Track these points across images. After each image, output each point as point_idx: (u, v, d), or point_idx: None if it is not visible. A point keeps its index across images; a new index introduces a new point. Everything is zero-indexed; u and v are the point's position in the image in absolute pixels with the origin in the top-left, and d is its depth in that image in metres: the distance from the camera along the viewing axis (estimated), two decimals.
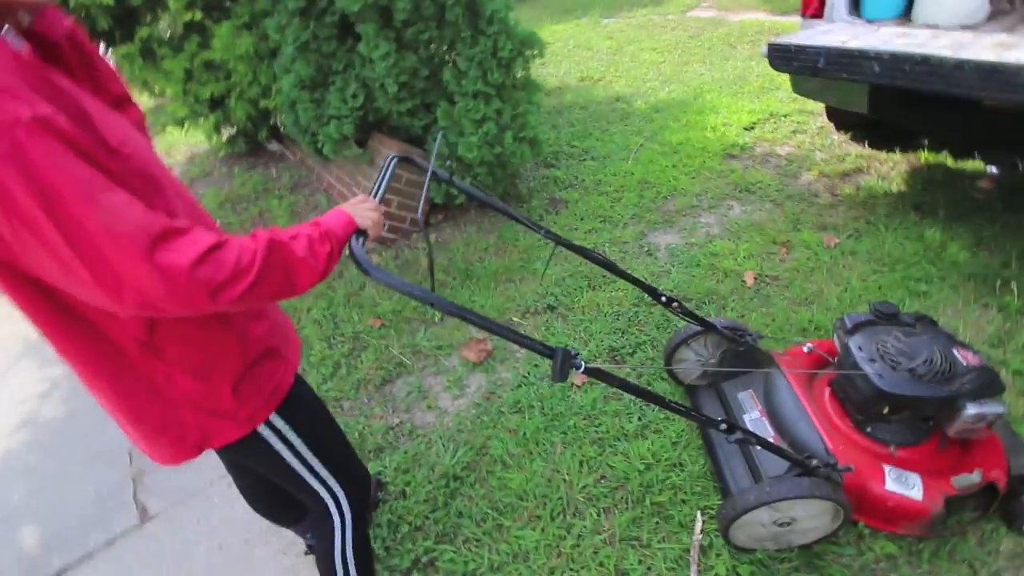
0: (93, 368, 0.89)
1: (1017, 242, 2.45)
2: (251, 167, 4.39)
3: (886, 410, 1.45)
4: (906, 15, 2.51)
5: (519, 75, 2.90)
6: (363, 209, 1.01)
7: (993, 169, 2.17)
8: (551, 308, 2.51)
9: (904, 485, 1.42)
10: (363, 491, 1.30)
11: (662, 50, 5.79)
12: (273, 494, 1.44)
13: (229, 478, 2.00)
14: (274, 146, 4.56)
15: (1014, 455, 1.51)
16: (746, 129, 3.82)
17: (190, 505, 1.96)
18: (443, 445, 1.95)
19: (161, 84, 3.81)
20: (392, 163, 1.23)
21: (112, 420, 1.00)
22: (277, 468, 1.11)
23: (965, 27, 2.28)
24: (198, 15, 3.43)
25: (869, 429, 1.52)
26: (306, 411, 1.14)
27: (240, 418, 0.99)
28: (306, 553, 1.72)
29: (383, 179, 1.17)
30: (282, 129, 4.23)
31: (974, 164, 3.02)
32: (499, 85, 2.77)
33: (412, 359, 2.36)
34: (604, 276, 2.61)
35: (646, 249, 2.81)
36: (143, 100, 5.11)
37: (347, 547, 1.27)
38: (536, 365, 2.22)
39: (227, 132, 4.31)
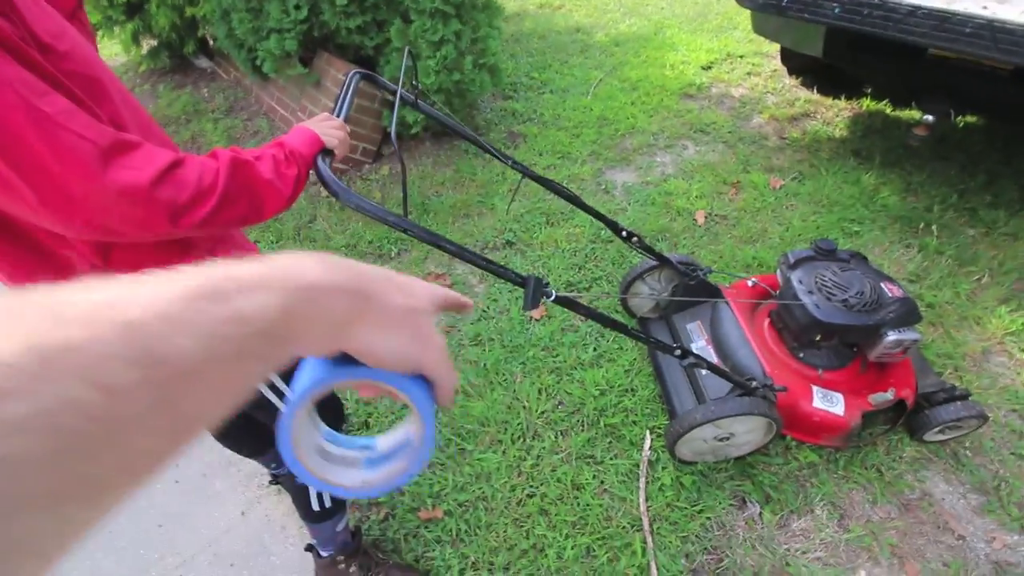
0: None
1: (940, 189, 2.65)
2: (179, 85, 3.98)
3: (819, 337, 1.59)
4: None
5: None
6: (328, 127, 0.96)
7: (929, 117, 2.30)
8: (510, 244, 2.52)
9: (829, 403, 1.58)
10: (332, 416, 1.31)
11: None
12: (238, 422, 1.42)
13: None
14: (203, 62, 4.14)
15: (922, 376, 1.71)
16: (703, 68, 3.82)
17: None
18: None
19: None
20: (355, 80, 1.16)
21: None
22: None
23: None
24: None
25: (801, 355, 1.67)
26: None
27: None
28: (271, 483, 1.74)
29: (345, 96, 1.10)
30: (213, 43, 3.84)
31: (910, 113, 3.18)
32: (459, 4, 2.61)
33: None
34: (562, 212, 2.63)
35: (603, 186, 2.83)
36: None
37: None
38: (495, 300, 2.25)
39: (148, 44, 3.85)
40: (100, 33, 3.61)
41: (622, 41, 4.25)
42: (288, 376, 1.09)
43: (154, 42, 3.84)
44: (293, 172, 0.86)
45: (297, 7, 2.63)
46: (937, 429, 1.65)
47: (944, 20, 1.82)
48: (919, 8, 1.86)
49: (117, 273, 0.85)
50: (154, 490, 1.78)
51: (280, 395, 1.11)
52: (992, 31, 1.76)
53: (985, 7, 1.83)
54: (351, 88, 1.14)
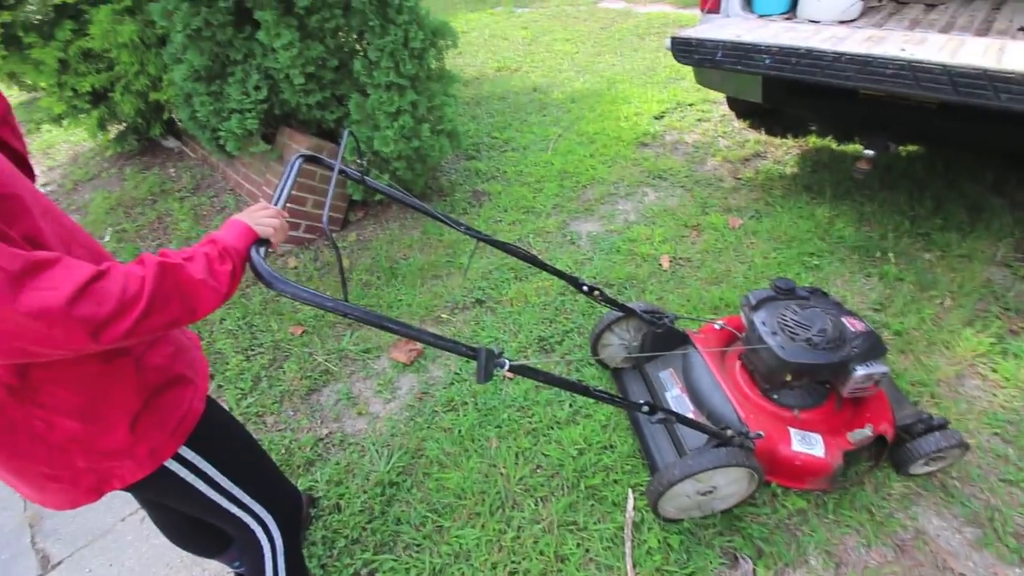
0: None
1: (892, 216, 2.74)
2: (146, 167, 4.01)
3: (789, 378, 1.58)
4: (792, 11, 2.70)
5: (433, 66, 2.84)
6: (261, 216, 0.95)
7: (869, 152, 2.40)
8: (480, 302, 2.50)
9: (808, 445, 1.55)
10: (292, 511, 1.24)
11: (576, 40, 5.90)
12: (194, 525, 1.33)
13: (141, 512, 1.85)
14: (171, 143, 4.19)
15: (898, 408, 1.70)
16: (656, 118, 3.98)
17: (98, 547, 1.78)
18: (377, 452, 1.90)
19: (32, 76, 3.37)
20: (297, 163, 1.16)
21: None
22: (193, 501, 1.03)
23: (842, 22, 2.49)
24: None
25: (776, 396, 1.65)
26: (219, 436, 1.06)
27: (140, 456, 0.90)
28: None
29: (286, 181, 1.10)
30: (179, 124, 3.90)
31: (854, 147, 3.33)
32: (413, 76, 2.70)
33: (339, 365, 2.27)
34: (530, 268, 2.64)
35: (569, 238, 2.87)
36: (11, 94, 4.52)
37: (279, 572, 1.20)
38: (467, 361, 2.21)
39: (115, 129, 3.90)
40: (66, 121, 3.65)
41: (578, 98, 4.43)
42: (228, 469, 1.04)
43: (121, 127, 3.89)
44: (227, 267, 0.84)
45: (257, 87, 2.69)
46: (921, 462, 1.62)
47: (867, 64, 1.94)
48: (843, 54, 1.98)
49: (36, 391, 0.80)
50: None
51: (225, 494, 1.05)
52: (912, 71, 1.87)
53: (903, 49, 1.95)
54: (293, 171, 1.14)
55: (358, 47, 2.75)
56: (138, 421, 0.88)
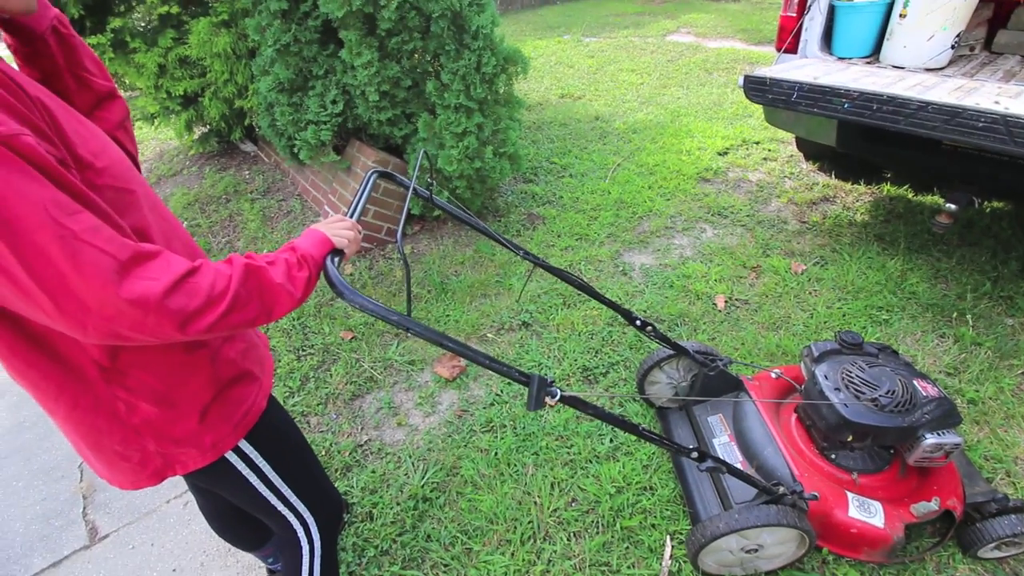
0: (50, 392, 0.83)
1: (972, 275, 2.57)
2: (223, 168, 4.28)
3: (850, 438, 1.49)
4: (875, 55, 2.62)
5: (501, 91, 2.91)
6: (339, 228, 0.99)
7: (951, 206, 2.27)
8: (526, 325, 2.50)
9: (866, 512, 1.45)
10: (334, 516, 1.26)
11: (641, 72, 5.91)
12: (237, 517, 1.38)
13: (186, 497, 1.92)
14: (248, 147, 4.46)
15: (969, 483, 1.57)
16: (720, 154, 3.92)
17: (143, 525, 1.86)
18: (412, 464, 1.91)
19: (132, 77, 3.68)
20: (371, 178, 1.21)
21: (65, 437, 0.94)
22: (244, 494, 1.06)
23: (929, 70, 2.39)
24: (175, 8, 3.35)
25: (833, 456, 1.56)
26: (277, 435, 1.09)
27: (204, 446, 0.94)
28: None
29: (362, 195, 1.15)
30: (257, 131, 4.14)
31: (933, 199, 3.16)
32: (481, 100, 2.78)
33: (383, 374, 2.31)
34: (579, 295, 2.63)
35: (621, 269, 2.84)
36: None
37: (315, 573, 1.22)
38: (509, 383, 2.21)
39: (199, 130, 4.19)
40: (156, 121, 3.96)
41: (639, 128, 4.42)
42: (281, 469, 1.07)
43: (205, 129, 4.18)
44: (304, 274, 0.88)
45: (334, 102, 2.84)
46: (992, 545, 1.48)
47: (955, 115, 1.84)
48: (930, 103, 1.89)
49: (124, 374, 0.85)
50: None
51: (275, 491, 1.08)
52: (1007, 125, 1.76)
53: (997, 102, 1.84)
54: (368, 186, 1.19)
55: (432, 69, 2.85)
56: (208, 412, 0.92)
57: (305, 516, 1.15)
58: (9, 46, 0.87)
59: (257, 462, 1.02)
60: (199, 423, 0.91)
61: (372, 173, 1.23)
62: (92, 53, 0.96)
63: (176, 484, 1.96)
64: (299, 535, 1.16)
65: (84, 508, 1.95)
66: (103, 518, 1.91)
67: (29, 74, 0.88)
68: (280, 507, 1.10)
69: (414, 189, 1.27)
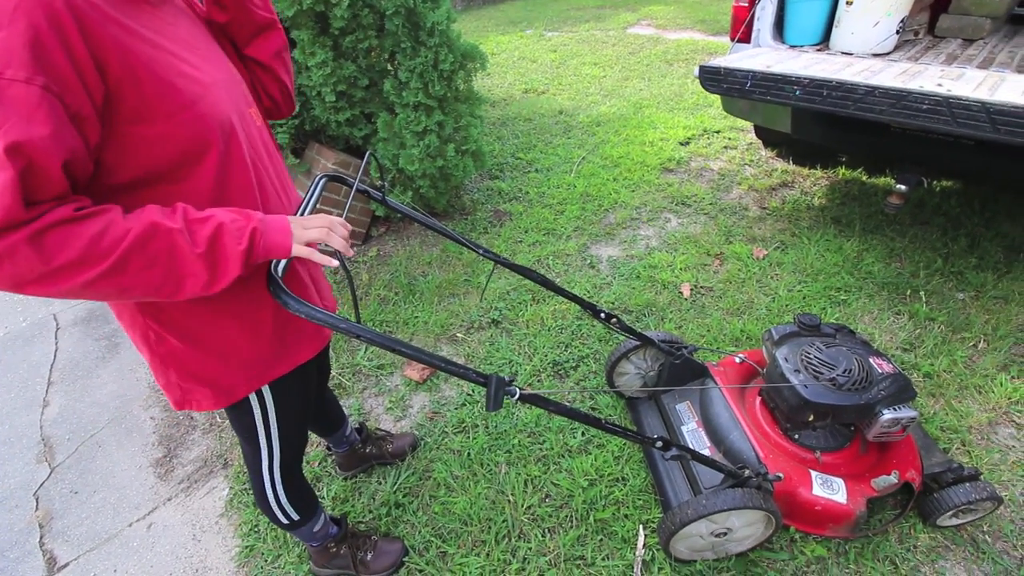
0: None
1: (924, 253, 2.66)
2: None
3: (811, 418, 1.52)
4: (825, 42, 2.68)
5: (461, 87, 2.89)
6: (313, 224, 0.90)
7: (901, 187, 2.34)
8: (495, 323, 2.49)
9: (830, 489, 1.48)
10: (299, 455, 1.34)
11: (603, 65, 5.94)
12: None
13: (148, 520, 1.86)
14: None
15: (927, 455, 1.62)
16: (682, 144, 3.96)
17: (105, 551, 1.79)
18: (384, 470, 1.88)
19: None
20: (321, 183, 1.18)
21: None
22: (241, 425, 1.14)
23: (876, 55, 2.46)
24: None
25: (797, 436, 1.59)
26: (290, 400, 1.15)
27: (220, 387, 1.00)
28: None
29: (309, 199, 1.11)
30: None
31: (886, 180, 3.26)
32: (441, 97, 2.74)
33: (352, 380, 2.27)
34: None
35: (589, 262, 2.85)
36: None
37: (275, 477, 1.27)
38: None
39: None
40: None
41: (603, 121, 4.45)
42: (282, 432, 1.14)
43: None
44: (242, 247, 0.79)
45: None
46: (950, 513, 1.54)
47: (901, 98, 1.90)
48: (876, 88, 1.94)
49: (161, 308, 0.99)
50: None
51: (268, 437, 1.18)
52: (949, 107, 1.82)
53: (940, 84, 1.90)
54: (316, 190, 1.15)
55: (389, 67, 2.81)
56: (229, 358, 0.98)
57: (275, 452, 1.21)
58: None
59: (269, 414, 1.12)
60: (220, 365, 0.97)
61: (322, 177, 1.20)
62: None
63: (137, 506, 1.89)
64: (263, 463, 1.22)
65: (41, 537, 1.86)
66: (62, 547, 1.83)
67: (210, 7, 0.97)
68: (263, 449, 1.18)
69: (365, 191, 1.24)
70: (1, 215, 0.62)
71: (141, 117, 0.74)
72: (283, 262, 0.90)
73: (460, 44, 2.77)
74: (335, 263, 0.89)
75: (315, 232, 0.88)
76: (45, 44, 0.64)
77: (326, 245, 0.89)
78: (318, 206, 1.16)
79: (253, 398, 1.07)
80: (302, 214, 1.07)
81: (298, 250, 0.86)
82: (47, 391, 2.41)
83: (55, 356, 2.59)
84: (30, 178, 0.64)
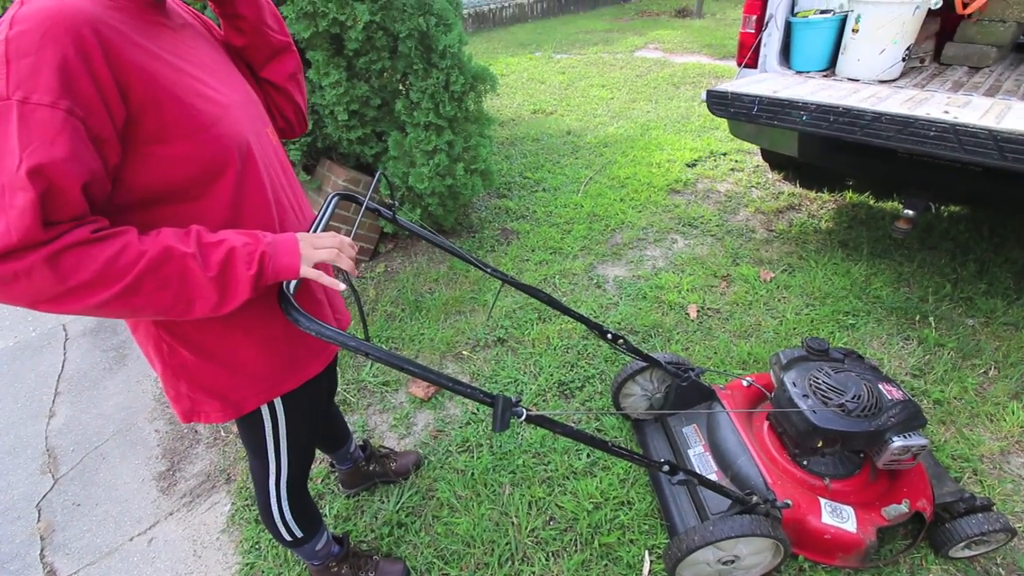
0: None
1: (933, 279, 2.64)
2: None
3: (820, 444, 1.50)
4: (831, 68, 2.71)
5: (471, 108, 2.93)
6: (323, 243, 0.91)
7: (909, 212, 2.35)
8: (501, 341, 2.49)
9: (839, 518, 1.46)
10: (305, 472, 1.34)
11: (611, 87, 6.02)
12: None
13: (149, 534, 1.85)
14: None
15: (938, 484, 1.59)
16: (688, 166, 3.99)
17: (105, 565, 1.78)
18: (387, 489, 1.87)
19: None
20: (333, 201, 1.19)
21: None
22: (250, 439, 1.14)
23: (882, 82, 2.48)
24: None
25: (805, 463, 1.57)
26: (300, 417, 1.16)
27: (228, 401, 1.00)
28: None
29: (322, 218, 1.13)
30: None
31: (893, 204, 3.26)
32: (451, 117, 2.79)
33: (356, 396, 2.27)
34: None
35: (595, 281, 2.85)
36: None
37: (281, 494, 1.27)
38: None
39: None
40: None
41: (610, 142, 4.49)
42: (291, 445, 1.14)
43: None
44: (252, 272, 0.80)
45: None
46: (962, 544, 1.51)
47: (908, 125, 1.91)
48: (883, 114, 1.96)
49: (174, 322, 0.98)
50: None
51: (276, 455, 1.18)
52: (956, 134, 1.83)
53: (947, 111, 1.92)
54: (329, 209, 1.17)
55: (401, 88, 2.86)
56: (238, 372, 0.98)
57: (282, 468, 1.21)
58: (213, 9, 0.99)
59: (279, 427, 1.12)
60: (230, 377, 0.98)
61: (334, 196, 1.22)
62: (275, 10, 1.05)
63: (139, 520, 1.88)
64: (270, 478, 1.22)
65: (42, 550, 1.85)
66: (62, 560, 1.82)
67: (228, 31, 1.01)
68: (271, 467, 1.19)
69: (375, 209, 1.26)
70: (20, 235, 0.63)
71: (161, 138, 0.76)
72: (294, 281, 0.91)
73: (471, 66, 2.82)
74: (343, 287, 0.91)
75: (324, 253, 0.89)
76: (71, 70, 0.66)
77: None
78: (329, 223, 1.18)
79: (265, 411, 1.08)
80: (314, 231, 1.09)
81: (306, 272, 0.86)
82: (54, 401, 2.42)
83: (63, 367, 2.61)
84: (50, 199, 0.65)
